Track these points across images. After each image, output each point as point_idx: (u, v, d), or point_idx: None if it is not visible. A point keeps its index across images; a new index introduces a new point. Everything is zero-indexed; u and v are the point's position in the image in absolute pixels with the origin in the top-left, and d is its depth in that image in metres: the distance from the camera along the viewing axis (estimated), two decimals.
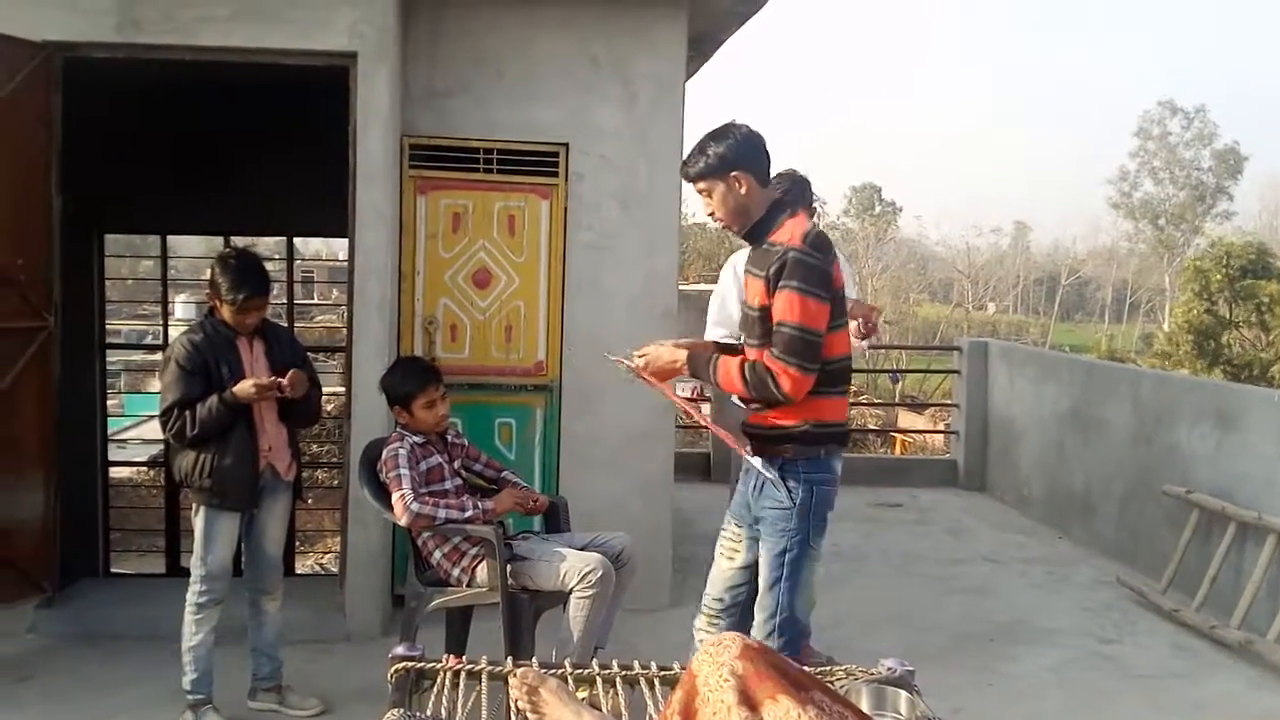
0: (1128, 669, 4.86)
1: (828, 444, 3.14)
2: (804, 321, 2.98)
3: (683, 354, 3.22)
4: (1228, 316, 18.50)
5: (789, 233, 3.05)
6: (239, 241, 8.06)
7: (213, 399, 3.82)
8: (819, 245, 3.03)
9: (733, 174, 3.09)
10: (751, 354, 3.12)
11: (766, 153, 3.15)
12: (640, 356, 3.24)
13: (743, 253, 4.79)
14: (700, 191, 3.16)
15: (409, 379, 4.02)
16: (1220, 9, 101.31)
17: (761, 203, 3.13)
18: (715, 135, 3.12)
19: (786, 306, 2.99)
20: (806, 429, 3.10)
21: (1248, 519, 5.24)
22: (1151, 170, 51.93)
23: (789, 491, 3.11)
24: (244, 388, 3.85)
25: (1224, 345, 18.44)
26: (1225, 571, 5.35)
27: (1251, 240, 21.22)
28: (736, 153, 3.09)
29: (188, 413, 3.82)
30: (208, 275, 4.05)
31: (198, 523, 3.97)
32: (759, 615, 3.21)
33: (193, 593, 3.98)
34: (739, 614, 3.32)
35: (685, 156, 3.20)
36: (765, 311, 3.05)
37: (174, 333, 7.94)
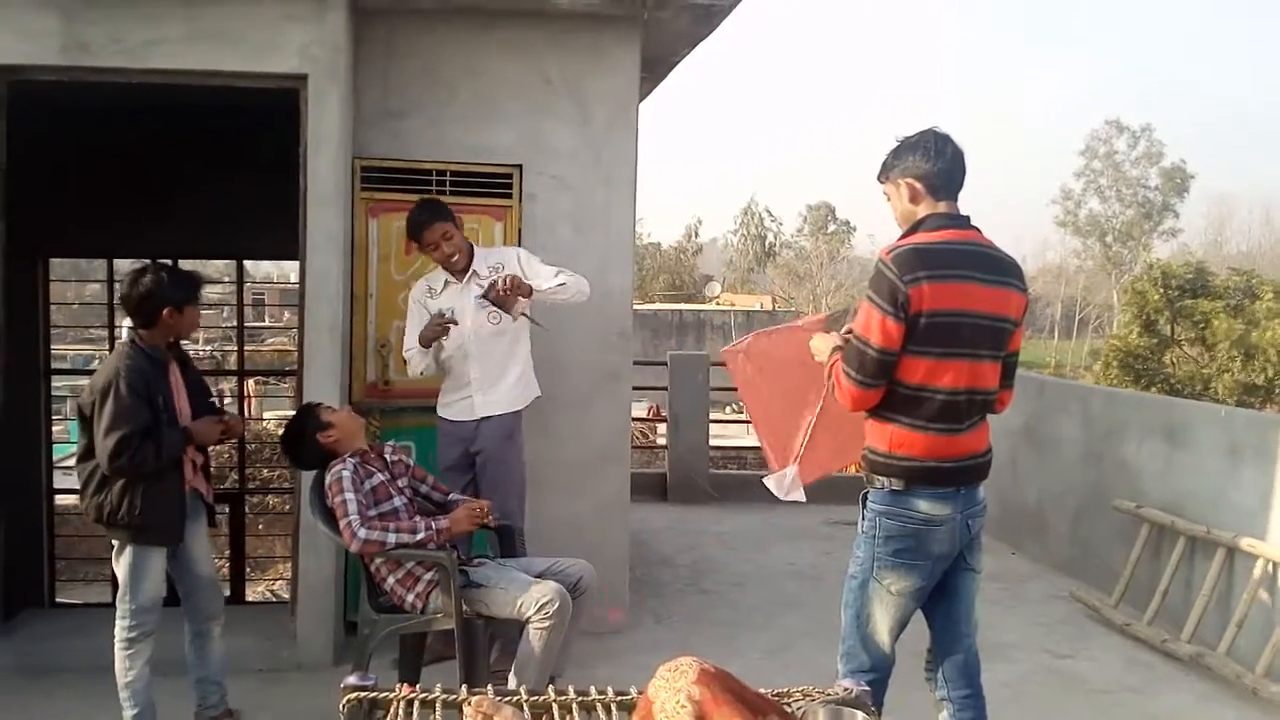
0: (1082, 684, 4.90)
1: (894, 476, 2.98)
2: (862, 332, 2.93)
3: (835, 341, 3.18)
4: (1170, 335, 18.82)
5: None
6: (179, 264, 7.97)
7: (175, 433, 3.78)
8: (902, 260, 2.90)
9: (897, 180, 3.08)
10: None
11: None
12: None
13: (425, 279, 4.72)
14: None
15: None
16: (1165, 29, 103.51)
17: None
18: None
19: (858, 315, 2.98)
20: (867, 453, 3.06)
21: (1197, 533, 5.31)
22: (1098, 189, 52.85)
23: (862, 517, 3.08)
24: (209, 429, 3.91)
25: (1164, 364, 18.75)
26: (1176, 585, 5.41)
27: (1190, 260, 21.62)
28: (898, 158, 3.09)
29: (149, 442, 3.68)
30: (129, 296, 3.88)
31: (124, 561, 3.82)
32: None
33: (122, 628, 3.86)
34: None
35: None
36: None
37: None
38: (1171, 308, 18.36)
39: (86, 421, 3.76)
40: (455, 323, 4.48)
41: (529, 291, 4.42)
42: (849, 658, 3.13)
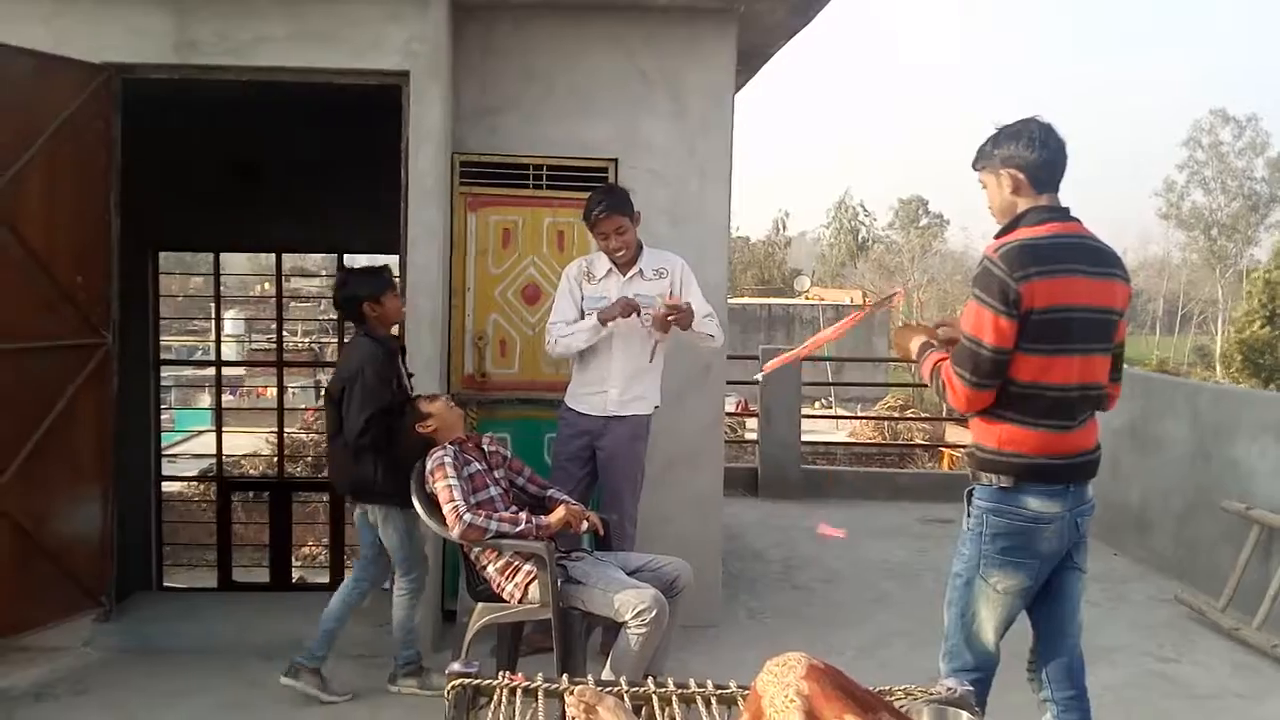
0: (1188, 689, 4.77)
1: (1003, 473, 2.92)
2: (973, 332, 2.86)
3: (922, 339, 3.14)
4: None
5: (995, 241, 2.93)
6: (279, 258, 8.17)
7: (410, 409, 4.21)
8: (1010, 256, 2.82)
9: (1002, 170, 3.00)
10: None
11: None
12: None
13: (584, 259, 4.74)
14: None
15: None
16: (1270, 17, 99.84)
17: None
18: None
19: (965, 314, 2.92)
20: (973, 450, 3.02)
21: None
22: (1202, 180, 51.30)
23: (968, 514, 3.04)
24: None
25: None
26: None
27: None
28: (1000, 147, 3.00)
29: (387, 420, 4.16)
30: (336, 301, 4.51)
31: (394, 524, 4.25)
32: None
33: (409, 580, 4.35)
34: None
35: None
36: None
37: (226, 348, 8.06)
38: None
39: (336, 405, 4.25)
40: (639, 310, 4.49)
41: (688, 325, 4.45)
42: (952, 656, 3.08)
